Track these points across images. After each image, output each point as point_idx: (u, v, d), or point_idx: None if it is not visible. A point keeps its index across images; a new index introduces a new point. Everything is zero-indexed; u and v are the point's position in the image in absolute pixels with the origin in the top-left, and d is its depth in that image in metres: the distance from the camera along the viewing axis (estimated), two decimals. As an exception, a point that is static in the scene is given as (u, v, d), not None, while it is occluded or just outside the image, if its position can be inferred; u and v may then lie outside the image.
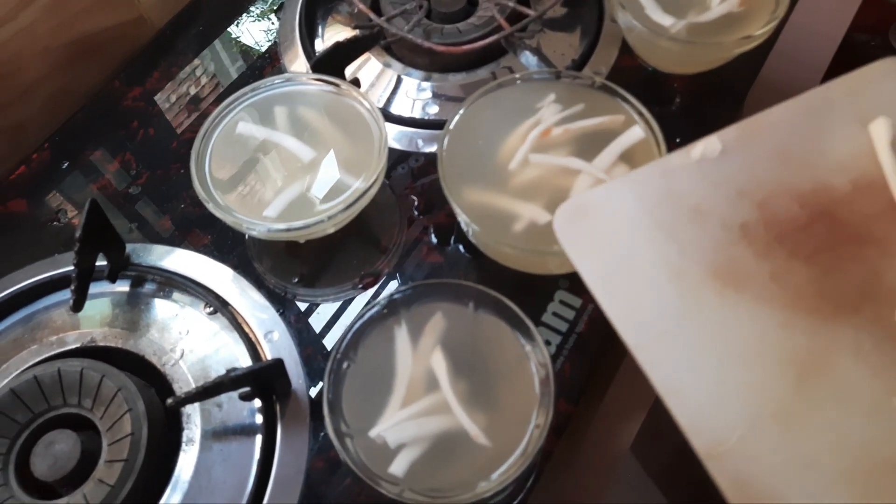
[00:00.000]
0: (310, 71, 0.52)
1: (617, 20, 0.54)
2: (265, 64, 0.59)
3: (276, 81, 0.49)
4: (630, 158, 0.44)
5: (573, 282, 0.47)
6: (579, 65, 0.55)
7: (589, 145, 0.44)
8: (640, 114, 0.44)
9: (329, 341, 0.46)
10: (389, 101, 0.57)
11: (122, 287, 0.48)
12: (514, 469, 0.35)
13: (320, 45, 0.60)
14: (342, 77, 0.52)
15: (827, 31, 0.71)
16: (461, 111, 0.46)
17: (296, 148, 0.47)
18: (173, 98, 0.58)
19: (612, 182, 0.36)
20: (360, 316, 0.40)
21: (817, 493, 0.28)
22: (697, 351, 0.31)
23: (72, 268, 0.48)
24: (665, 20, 0.49)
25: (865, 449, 0.29)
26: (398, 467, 0.36)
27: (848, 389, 0.30)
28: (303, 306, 0.48)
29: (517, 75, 0.46)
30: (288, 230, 0.43)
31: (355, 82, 0.53)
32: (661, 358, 0.31)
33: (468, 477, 0.36)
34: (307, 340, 0.46)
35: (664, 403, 0.30)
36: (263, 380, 0.41)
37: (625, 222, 0.34)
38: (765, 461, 0.29)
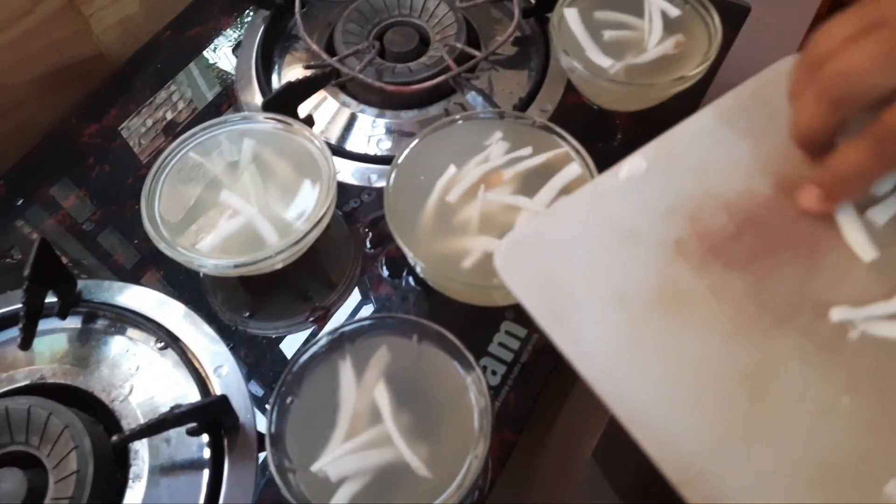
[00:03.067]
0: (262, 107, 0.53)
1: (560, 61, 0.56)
2: (222, 101, 0.60)
3: (229, 119, 0.50)
4: (570, 192, 0.45)
5: (518, 313, 0.48)
6: (526, 103, 0.57)
7: (533, 182, 0.46)
8: (577, 151, 0.46)
9: (278, 375, 0.47)
10: (344, 137, 0.58)
11: (73, 323, 0.49)
12: (451, 500, 0.36)
13: (277, 82, 0.62)
14: (295, 115, 0.53)
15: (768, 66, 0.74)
16: (408, 148, 0.47)
17: (247, 185, 0.48)
18: (129, 135, 0.59)
19: (545, 213, 0.36)
20: (303, 351, 0.40)
21: None
22: (653, 378, 0.31)
23: (21, 307, 0.48)
24: (604, 62, 0.52)
25: (825, 453, 0.29)
26: (339, 501, 0.37)
27: (800, 396, 0.30)
28: (253, 340, 0.48)
29: (458, 116, 0.48)
30: (235, 266, 0.44)
31: (308, 120, 0.55)
32: (619, 389, 0.31)
33: (409, 508, 0.37)
34: (257, 375, 0.47)
35: (632, 435, 0.30)
36: (209, 415, 0.42)
37: (564, 253, 0.35)
38: (733, 481, 0.29)
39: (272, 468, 0.37)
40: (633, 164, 0.36)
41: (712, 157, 0.36)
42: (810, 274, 0.33)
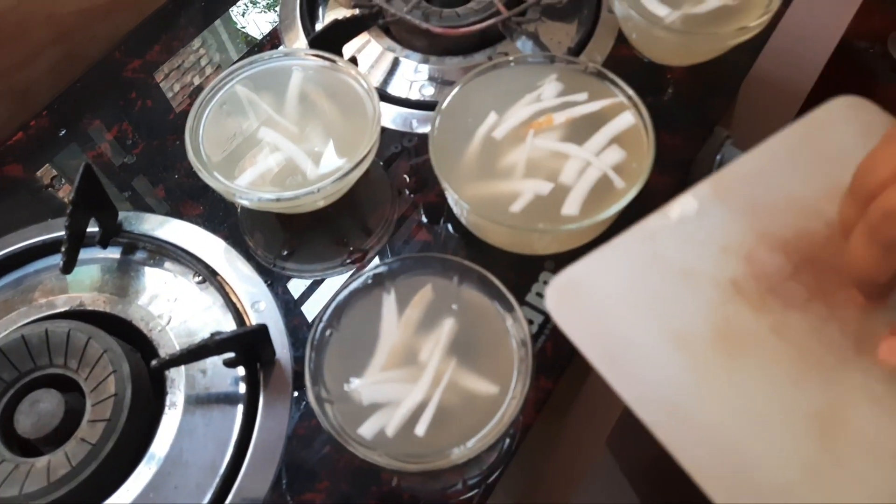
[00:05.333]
0: (307, 47, 0.52)
1: (614, 10, 0.54)
2: (265, 42, 0.60)
3: (274, 55, 0.49)
4: (622, 142, 0.44)
5: (558, 263, 0.47)
6: (575, 53, 0.55)
7: (584, 129, 0.45)
8: (630, 98, 0.44)
9: (315, 313, 0.46)
10: (387, 81, 0.57)
11: (113, 254, 0.49)
12: (489, 438, 0.36)
13: (321, 25, 0.61)
14: (340, 55, 0.52)
15: (822, 33, 0.72)
16: (454, 91, 0.46)
17: (291, 121, 0.48)
18: (172, 71, 0.58)
19: (596, 252, 0.35)
20: (345, 285, 0.40)
21: None
22: (717, 421, 0.30)
23: (64, 232, 0.49)
24: (661, 10, 0.50)
25: None
26: (369, 429, 0.36)
27: (870, 438, 0.30)
28: (291, 279, 0.48)
29: (511, 58, 0.46)
30: (277, 200, 0.43)
31: (353, 61, 0.54)
32: (682, 435, 0.30)
33: (444, 444, 0.36)
34: (294, 312, 0.47)
35: (696, 483, 0.29)
36: (247, 345, 0.42)
37: (618, 293, 0.34)
38: None
39: (310, 397, 0.36)
40: (684, 204, 0.36)
41: (766, 196, 0.36)
42: (869, 314, 0.33)
